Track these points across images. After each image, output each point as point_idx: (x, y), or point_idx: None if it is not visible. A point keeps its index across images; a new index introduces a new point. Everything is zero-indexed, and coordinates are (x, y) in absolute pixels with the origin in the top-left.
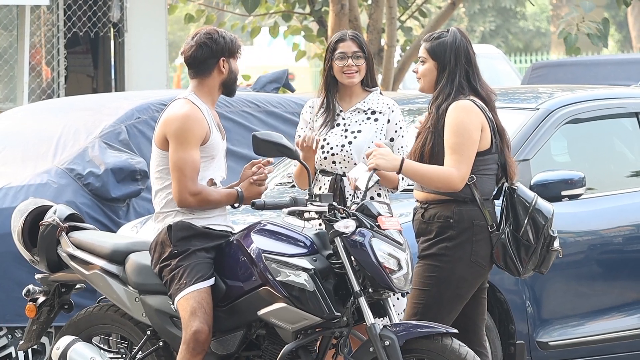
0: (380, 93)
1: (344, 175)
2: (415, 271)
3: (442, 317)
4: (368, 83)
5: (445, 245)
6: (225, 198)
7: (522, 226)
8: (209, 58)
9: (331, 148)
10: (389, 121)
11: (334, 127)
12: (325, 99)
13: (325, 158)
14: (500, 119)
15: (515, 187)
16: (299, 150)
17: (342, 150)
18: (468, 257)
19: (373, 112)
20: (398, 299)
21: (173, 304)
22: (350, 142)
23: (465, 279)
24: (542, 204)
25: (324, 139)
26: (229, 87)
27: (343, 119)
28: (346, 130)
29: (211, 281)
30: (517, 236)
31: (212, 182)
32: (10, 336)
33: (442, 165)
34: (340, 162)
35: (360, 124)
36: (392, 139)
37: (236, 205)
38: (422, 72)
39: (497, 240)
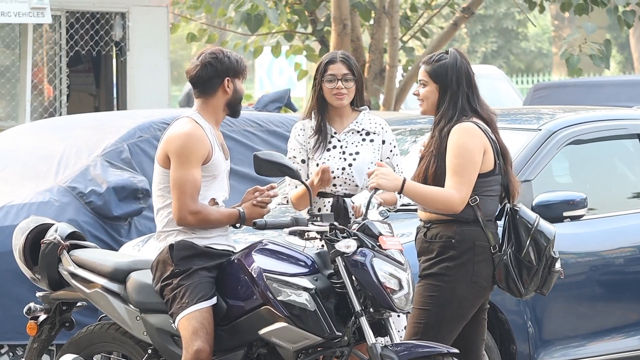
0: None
1: (345, 195)
2: (416, 290)
3: (442, 337)
4: (357, 103)
5: (447, 265)
6: (227, 218)
7: (524, 247)
8: (213, 77)
9: (332, 172)
10: (383, 142)
11: (330, 149)
12: (317, 122)
13: None
14: (503, 139)
15: (518, 209)
16: (300, 170)
17: (342, 172)
18: (469, 277)
19: (368, 133)
20: (399, 316)
21: (174, 323)
22: (350, 165)
23: (466, 298)
24: (544, 225)
25: (322, 162)
26: (233, 108)
27: (339, 140)
28: (344, 153)
29: (213, 301)
30: (519, 257)
31: (214, 202)
32: (11, 354)
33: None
34: (341, 185)
35: (357, 145)
36: (387, 158)
37: (238, 225)
38: (423, 95)
39: (499, 261)
